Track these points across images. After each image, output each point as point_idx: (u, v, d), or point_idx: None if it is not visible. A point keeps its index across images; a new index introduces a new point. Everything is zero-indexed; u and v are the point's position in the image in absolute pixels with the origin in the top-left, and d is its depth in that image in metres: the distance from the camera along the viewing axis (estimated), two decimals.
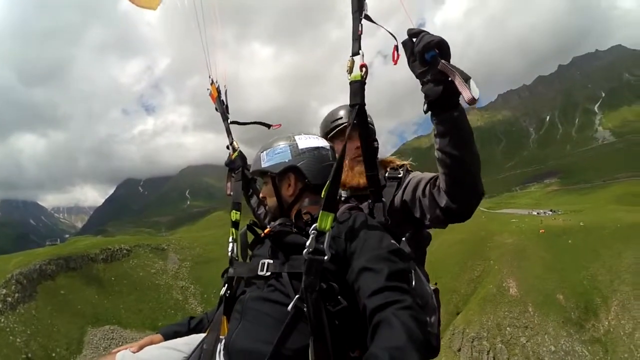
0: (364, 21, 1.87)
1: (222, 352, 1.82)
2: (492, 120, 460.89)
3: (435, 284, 2.26)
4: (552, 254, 53.05)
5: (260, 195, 2.29)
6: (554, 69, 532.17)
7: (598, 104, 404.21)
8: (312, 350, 1.53)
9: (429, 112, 1.81)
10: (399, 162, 2.61)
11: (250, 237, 2.14)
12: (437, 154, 1.88)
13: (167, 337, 2.16)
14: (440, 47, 1.64)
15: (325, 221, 1.67)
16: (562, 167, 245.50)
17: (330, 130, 2.65)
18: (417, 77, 1.75)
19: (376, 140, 2.60)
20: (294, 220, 1.97)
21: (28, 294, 58.10)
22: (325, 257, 1.62)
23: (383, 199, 2.12)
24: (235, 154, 2.87)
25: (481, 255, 56.00)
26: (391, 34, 1.78)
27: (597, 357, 41.16)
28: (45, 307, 58.22)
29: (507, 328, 43.89)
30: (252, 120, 2.92)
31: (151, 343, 2.10)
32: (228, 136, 2.93)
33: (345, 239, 1.76)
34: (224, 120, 2.95)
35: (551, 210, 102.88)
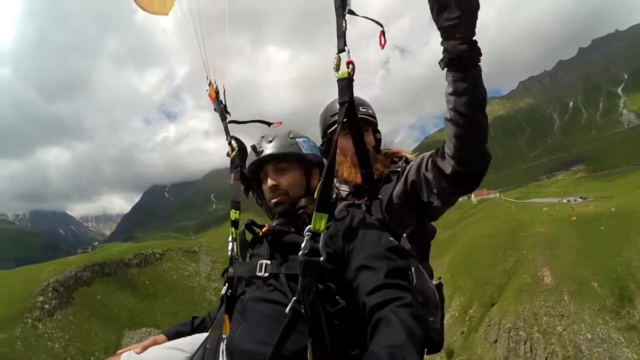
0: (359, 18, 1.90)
1: (224, 352, 1.85)
2: (514, 109, 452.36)
3: (439, 278, 2.31)
4: (584, 241, 52.69)
5: (272, 183, 2.05)
6: (574, 52, 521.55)
7: (621, 86, 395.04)
8: (311, 351, 1.54)
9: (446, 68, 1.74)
10: (402, 154, 2.54)
11: (250, 237, 2.17)
12: (449, 114, 1.80)
13: (171, 337, 2.19)
14: None
15: (319, 222, 1.67)
16: (588, 154, 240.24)
17: (331, 125, 2.62)
18: (441, 29, 1.64)
19: (378, 132, 2.68)
20: (291, 220, 1.98)
21: (65, 300, 59.40)
22: (321, 258, 1.64)
23: (380, 195, 2.09)
24: (234, 152, 2.76)
25: (514, 245, 55.82)
26: (377, 22, 1.87)
27: (633, 343, 40.84)
28: (82, 313, 59.49)
29: (544, 317, 43.78)
30: (252, 119, 2.86)
31: (155, 344, 2.12)
32: (227, 135, 2.86)
33: (343, 238, 1.78)
34: (222, 120, 2.91)
35: (581, 198, 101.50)
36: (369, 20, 1.91)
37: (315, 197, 1.70)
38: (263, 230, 2.06)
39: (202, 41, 2.74)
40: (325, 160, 2.01)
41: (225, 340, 1.86)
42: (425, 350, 1.76)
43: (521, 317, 44.75)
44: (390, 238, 1.77)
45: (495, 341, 44.51)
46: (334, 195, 2.18)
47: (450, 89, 1.74)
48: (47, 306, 56.15)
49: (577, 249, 51.07)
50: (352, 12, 1.85)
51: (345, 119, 1.85)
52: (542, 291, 46.66)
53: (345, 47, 1.85)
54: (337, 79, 1.86)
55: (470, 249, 58.39)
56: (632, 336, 41.33)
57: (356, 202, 2.13)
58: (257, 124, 2.77)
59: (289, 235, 1.87)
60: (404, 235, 2.00)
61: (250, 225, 2.18)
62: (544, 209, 76.06)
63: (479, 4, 1.57)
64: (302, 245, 1.64)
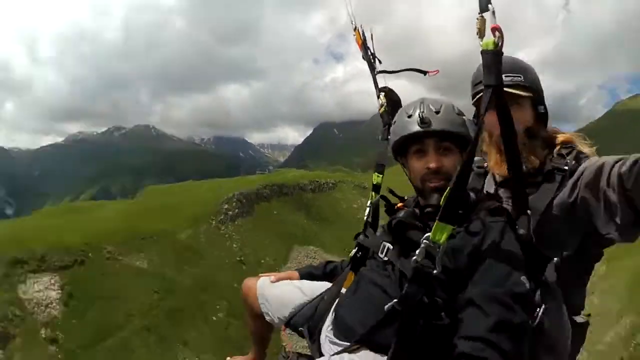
0: None
1: (333, 310, 1.92)
2: None
3: (589, 315, 2.00)
4: None
5: (435, 164, 1.74)
6: None
7: None
8: (391, 353, 1.48)
9: None
10: (572, 141, 1.96)
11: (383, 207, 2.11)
12: None
13: (303, 277, 2.35)
14: None
15: (440, 234, 1.45)
16: None
17: (476, 93, 2.11)
18: None
19: (542, 105, 2.09)
20: (419, 213, 1.81)
21: (246, 210, 64.13)
22: (435, 272, 1.46)
23: (529, 211, 1.62)
24: (383, 108, 2.46)
25: None
26: None
27: None
28: (260, 224, 63.77)
29: None
30: (405, 68, 2.53)
31: (288, 278, 2.34)
32: (375, 88, 2.57)
33: (468, 256, 1.53)
34: (370, 70, 2.59)
35: None
36: None
37: (441, 202, 1.49)
38: (398, 205, 2.03)
39: None
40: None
41: (338, 299, 1.95)
42: None
43: None
44: (522, 278, 1.47)
45: None
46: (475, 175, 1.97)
47: None
48: (230, 213, 60.81)
49: None
50: None
51: (488, 107, 1.48)
52: None
53: (490, 5, 1.42)
54: (481, 49, 1.47)
55: None
56: None
57: (503, 206, 1.71)
58: (410, 71, 2.50)
59: (412, 231, 1.73)
60: (554, 260, 1.71)
61: (386, 197, 2.09)
62: None
63: None
64: (417, 252, 1.48)
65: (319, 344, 1.92)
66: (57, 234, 46.01)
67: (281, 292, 2.25)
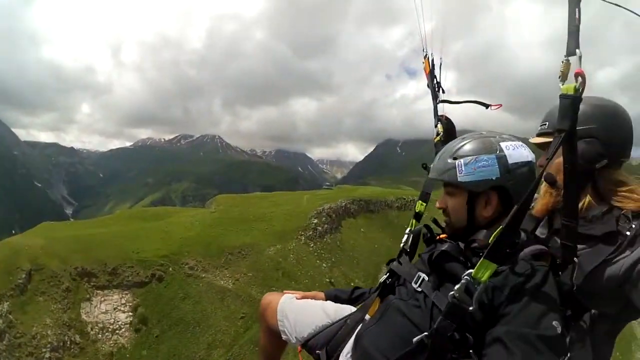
0: None
1: (354, 336, 1.90)
2: None
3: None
4: None
5: (439, 205, 1.94)
6: None
7: None
8: None
9: None
10: (637, 198, 1.79)
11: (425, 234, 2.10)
12: None
13: (329, 297, 2.37)
14: None
15: (484, 272, 1.46)
16: None
17: (541, 134, 2.11)
18: None
19: (625, 156, 1.91)
20: (462, 247, 1.76)
21: (335, 226, 62.45)
22: (470, 309, 1.47)
23: (577, 259, 1.66)
24: (438, 138, 2.63)
25: None
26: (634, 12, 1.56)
27: None
28: (348, 241, 61.74)
29: None
30: (469, 100, 2.71)
31: (314, 298, 2.36)
32: (435, 116, 2.70)
33: (506, 295, 1.52)
34: (433, 99, 2.74)
35: None
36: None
37: (489, 241, 1.50)
38: (441, 235, 2.01)
39: (421, 9, 2.53)
40: (508, 183, 1.75)
41: (361, 326, 1.93)
42: None
43: None
44: (555, 323, 1.44)
45: None
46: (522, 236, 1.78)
47: None
48: (319, 228, 59.39)
49: None
50: None
51: (556, 151, 1.50)
52: None
53: (577, 50, 1.45)
54: (560, 93, 1.48)
55: None
56: None
57: (549, 251, 1.72)
58: (472, 103, 2.66)
59: (452, 264, 1.72)
60: (592, 312, 1.80)
61: (430, 227, 2.09)
62: None
63: None
64: (456, 287, 1.49)
65: None
66: (132, 243, 42.63)
67: (303, 311, 2.24)
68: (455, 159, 1.80)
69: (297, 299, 2.31)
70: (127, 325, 33.50)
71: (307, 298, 2.32)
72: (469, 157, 1.77)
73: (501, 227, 1.46)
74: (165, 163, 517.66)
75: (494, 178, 1.73)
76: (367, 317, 1.98)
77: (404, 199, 79.49)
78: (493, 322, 1.49)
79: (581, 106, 1.51)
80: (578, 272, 1.67)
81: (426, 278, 1.77)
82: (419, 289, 1.75)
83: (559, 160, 1.72)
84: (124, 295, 35.19)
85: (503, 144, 1.77)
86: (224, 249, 47.72)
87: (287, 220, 58.85)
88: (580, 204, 1.80)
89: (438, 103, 2.71)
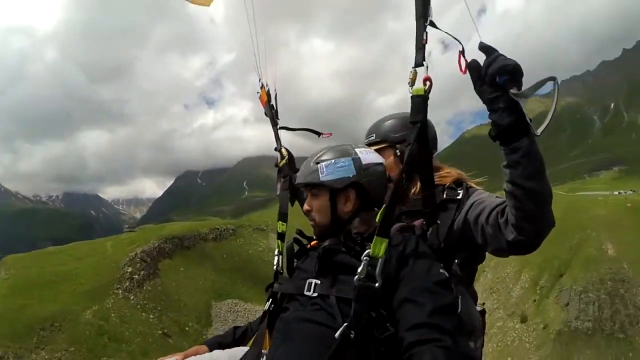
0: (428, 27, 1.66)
1: None
2: (556, 108, 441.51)
3: (483, 304, 2.32)
4: None
5: (305, 207, 2.04)
6: (618, 53, 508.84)
7: None
8: None
9: (498, 141, 1.63)
10: (453, 174, 2.32)
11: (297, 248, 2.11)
12: (506, 186, 1.68)
13: (212, 347, 2.16)
14: (515, 73, 1.50)
15: (379, 247, 1.58)
16: (629, 156, 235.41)
17: (383, 141, 2.43)
18: (485, 102, 1.60)
19: (435, 148, 2.50)
20: (342, 239, 1.88)
21: (152, 271, 59.44)
22: (377, 285, 1.55)
23: (438, 220, 1.94)
24: (283, 161, 2.69)
25: (577, 225, 57.78)
26: (457, 40, 1.62)
27: None
28: (170, 284, 59.80)
29: (608, 282, 47.59)
30: (303, 127, 2.84)
31: (196, 353, 2.09)
32: (277, 142, 2.75)
33: (394, 264, 1.65)
34: (273, 126, 2.77)
35: (632, 190, 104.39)
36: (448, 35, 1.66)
37: (377, 220, 1.64)
38: (312, 243, 2.09)
39: (255, 42, 2.58)
40: (363, 180, 1.92)
41: (264, 358, 1.86)
42: None
43: (590, 282, 48.23)
44: (441, 270, 1.67)
45: (567, 304, 48.03)
46: None
47: (505, 161, 1.65)
48: (136, 277, 56.07)
49: (634, 228, 54.19)
50: (433, 25, 1.67)
51: (415, 141, 1.70)
52: (606, 260, 50.15)
53: (424, 62, 1.67)
54: (411, 95, 1.71)
55: None
56: None
57: (409, 224, 1.99)
58: (306, 131, 2.86)
59: (340, 255, 1.79)
60: (456, 261, 2.00)
61: (298, 238, 2.14)
62: (599, 198, 78.47)
63: (522, 73, 1.52)
64: (359, 269, 1.57)
65: None
66: None
67: None
68: (317, 163, 1.95)
69: None
70: None
71: (190, 355, 2.05)
72: (329, 161, 1.94)
73: (385, 205, 1.61)
74: None
75: (351, 176, 1.90)
76: (264, 351, 1.91)
77: (218, 229, 79.68)
78: (393, 290, 1.60)
79: (396, 121, 2.35)
80: (441, 231, 1.94)
81: (318, 282, 1.76)
82: (314, 294, 1.74)
83: (389, 160, 2.30)
84: None
85: (357, 149, 1.98)
86: (32, 325, 40.97)
87: (97, 275, 53.95)
88: (413, 190, 2.26)
89: (278, 129, 2.72)
